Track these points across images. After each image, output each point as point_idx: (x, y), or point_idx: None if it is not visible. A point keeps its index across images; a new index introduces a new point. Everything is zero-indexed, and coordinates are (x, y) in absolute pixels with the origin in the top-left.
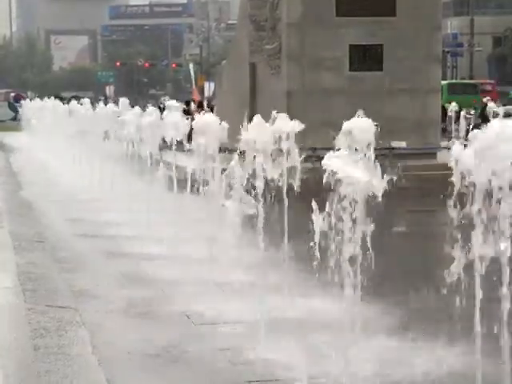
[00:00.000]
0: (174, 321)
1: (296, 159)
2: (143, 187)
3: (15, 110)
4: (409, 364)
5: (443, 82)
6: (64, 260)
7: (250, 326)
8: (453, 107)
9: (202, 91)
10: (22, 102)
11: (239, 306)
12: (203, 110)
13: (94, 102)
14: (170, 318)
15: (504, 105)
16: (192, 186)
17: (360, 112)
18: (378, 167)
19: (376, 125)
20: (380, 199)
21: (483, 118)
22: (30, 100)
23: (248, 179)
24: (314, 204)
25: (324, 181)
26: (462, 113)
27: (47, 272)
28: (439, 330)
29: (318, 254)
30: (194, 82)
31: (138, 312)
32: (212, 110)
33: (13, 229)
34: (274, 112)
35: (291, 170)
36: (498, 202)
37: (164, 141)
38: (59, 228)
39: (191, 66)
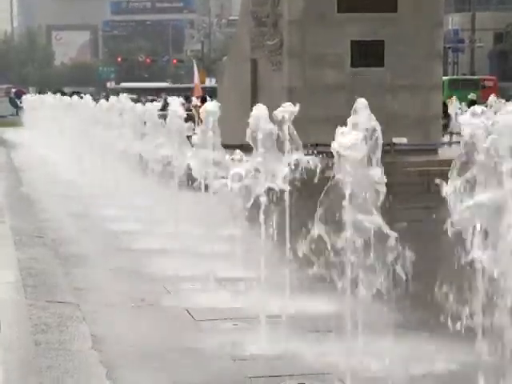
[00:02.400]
0: (175, 316)
1: None
2: (145, 182)
3: (16, 106)
4: None
5: (444, 78)
6: (65, 255)
7: None
8: (453, 102)
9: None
10: (24, 97)
11: None
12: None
13: (96, 98)
14: (170, 312)
15: (507, 100)
16: None
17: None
18: None
19: None
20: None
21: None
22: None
23: None
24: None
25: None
26: (463, 108)
27: (48, 267)
28: None
29: None
30: (197, 78)
31: (139, 307)
32: None
33: (14, 224)
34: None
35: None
36: None
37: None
38: (60, 223)
39: (195, 62)
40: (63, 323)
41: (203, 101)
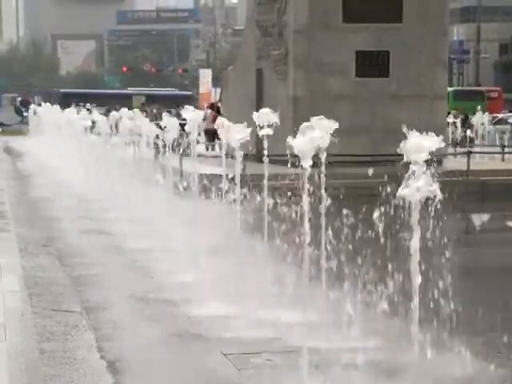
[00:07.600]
0: (179, 323)
1: None
2: (148, 192)
3: (21, 114)
4: None
5: (448, 89)
6: (70, 264)
7: None
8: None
9: (208, 97)
10: (31, 106)
11: None
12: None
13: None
14: (175, 320)
15: (510, 111)
16: None
17: None
18: None
19: None
20: None
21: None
22: (39, 105)
23: None
24: None
25: None
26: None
27: (53, 276)
28: None
29: None
30: (207, 87)
31: (145, 316)
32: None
33: (19, 233)
34: None
35: None
36: None
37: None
38: (65, 232)
39: (209, 71)
40: (68, 332)
41: (212, 107)
